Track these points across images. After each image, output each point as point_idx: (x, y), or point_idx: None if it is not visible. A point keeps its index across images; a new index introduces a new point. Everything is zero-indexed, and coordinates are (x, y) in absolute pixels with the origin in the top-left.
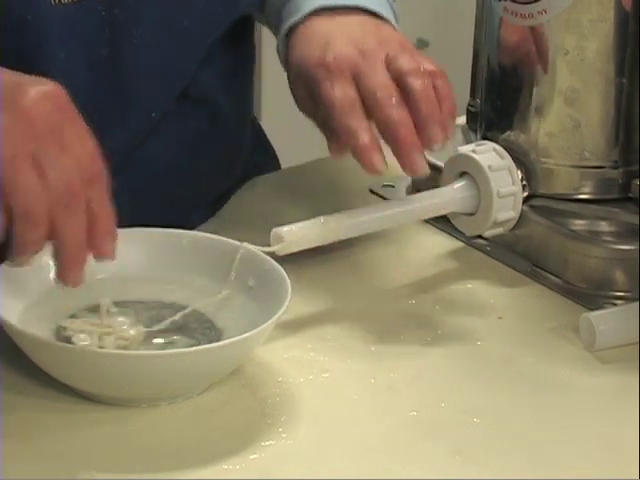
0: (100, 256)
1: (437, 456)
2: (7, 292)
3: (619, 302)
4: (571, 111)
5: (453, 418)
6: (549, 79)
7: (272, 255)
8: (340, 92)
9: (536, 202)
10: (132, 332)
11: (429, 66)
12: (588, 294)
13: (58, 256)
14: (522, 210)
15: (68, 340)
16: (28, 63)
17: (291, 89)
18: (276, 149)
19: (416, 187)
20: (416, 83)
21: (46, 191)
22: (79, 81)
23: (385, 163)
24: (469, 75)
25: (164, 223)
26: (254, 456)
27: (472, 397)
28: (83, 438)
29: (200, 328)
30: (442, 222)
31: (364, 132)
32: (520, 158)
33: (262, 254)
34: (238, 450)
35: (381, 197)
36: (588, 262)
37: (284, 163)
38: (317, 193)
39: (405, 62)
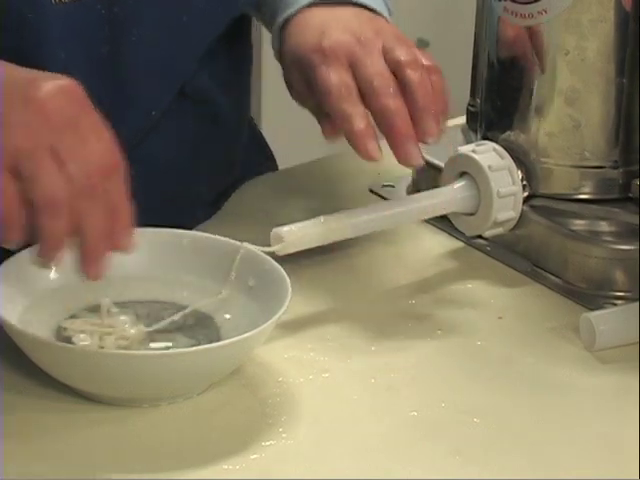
0: (118, 249)
1: (437, 456)
2: (7, 292)
3: (619, 302)
4: (571, 111)
5: (453, 418)
6: (549, 79)
7: (272, 255)
8: (336, 77)
9: (536, 202)
10: (133, 331)
11: (425, 60)
12: (588, 294)
13: (80, 248)
14: (522, 210)
15: (68, 340)
16: (28, 62)
17: (285, 77)
18: (276, 149)
19: (416, 187)
20: (414, 75)
21: (67, 182)
22: (79, 80)
23: (380, 150)
24: (469, 75)
25: (164, 222)
26: (254, 456)
27: (472, 397)
28: (83, 438)
29: (200, 328)
30: (442, 222)
31: (360, 118)
32: (520, 158)
33: (262, 254)
34: (238, 450)
35: (381, 197)
36: (588, 262)
37: (284, 163)
38: (317, 193)
39: (402, 53)
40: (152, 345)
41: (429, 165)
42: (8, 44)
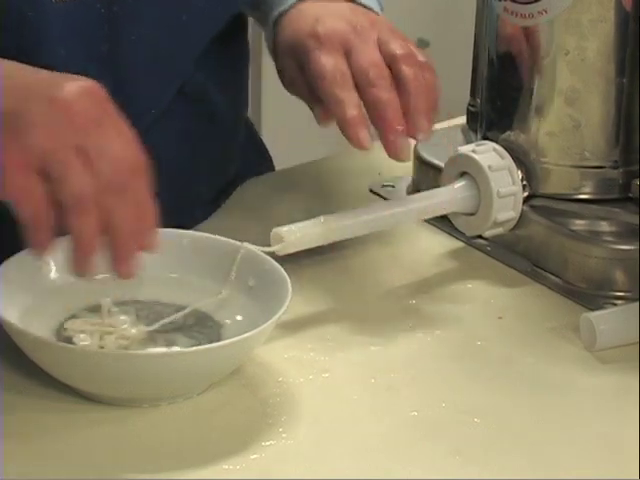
0: (144, 249)
1: (437, 456)
2: (7, 292)
3: (619, 302)
4: (571, 111)
5: (453, 418)
6: (549, 79)
7: (272, 255)
8: (331, 62)
9: (536, 202)
10: (133, 331)
11: (420, 57)
12: (588, 294)
13: (111, 246)
14: (522, 210)
15: (69, 340)
16: (28, 60)
17: (277, 66)
18: (276, 149)
19: (416, 187)
20: (409, 70)
21: (94, 180)
22: None
23: (370, 140)
24: (469, 75)
25: (163, 221)
26: (254, 456)
27: (472, 397)
28: (83, 438)
29: (200, 328)
30: (442, 222)
31: (353, 105)
32: (520, 158)
33: (262, 254)
34: (238, 450)
35: (381, 197)
36: (588, 262)
37: (284, 163)
38: (317, 193)
39: (398, 47)
40: (152, 345)
41: (429, 165)
42: (8, 43)
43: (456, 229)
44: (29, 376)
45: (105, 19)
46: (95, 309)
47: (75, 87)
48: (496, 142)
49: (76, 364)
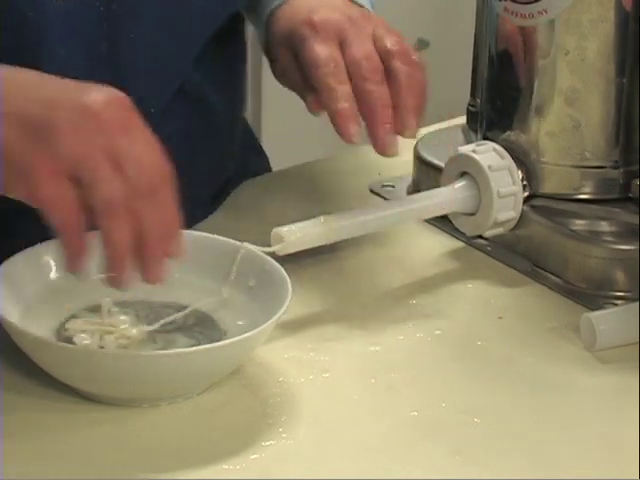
0: (171, 255)
1: (437, 456)
2: (8, 292)
3: (619, 302)
4: (571, 111)
5: (453, 418)
6: (549, 79)
7: (272, 255)
8: (326, 51)
9: (536, 202)
10: (133, 331)
11: (413, 56)
12: (588, 294)
13: (141, 251)
14: (522, 210)
15: (69, 340)
16: (28, 60)
17: (270, 56)
18: (276, 149)
19: (416, 187)
20: (402, 68)
21: (124, 184)
22: (78, 77)
23: (360, 135)
24: (469, 75)
25: None
26: (254, 456)
27: (472, 397)
28: (83, 438)
29: (200, 328)
30: (442, 222)
31: (344, 98)
32: (520, 158)
33: (262, 254)
34: (238, 450)
35: (381, 197)
36: (588, 262)
37: (284, 163)
38: (317, 193)
39: (393, 43)
40: (152, 345)
41: (429, 165)
42: (8, 43)
43: (456, 229)
44: (29, 376)
45: (104, 17)
46: (95, 309)
47: (102, 95)
48: (496, 142)
49: (76, 364)
